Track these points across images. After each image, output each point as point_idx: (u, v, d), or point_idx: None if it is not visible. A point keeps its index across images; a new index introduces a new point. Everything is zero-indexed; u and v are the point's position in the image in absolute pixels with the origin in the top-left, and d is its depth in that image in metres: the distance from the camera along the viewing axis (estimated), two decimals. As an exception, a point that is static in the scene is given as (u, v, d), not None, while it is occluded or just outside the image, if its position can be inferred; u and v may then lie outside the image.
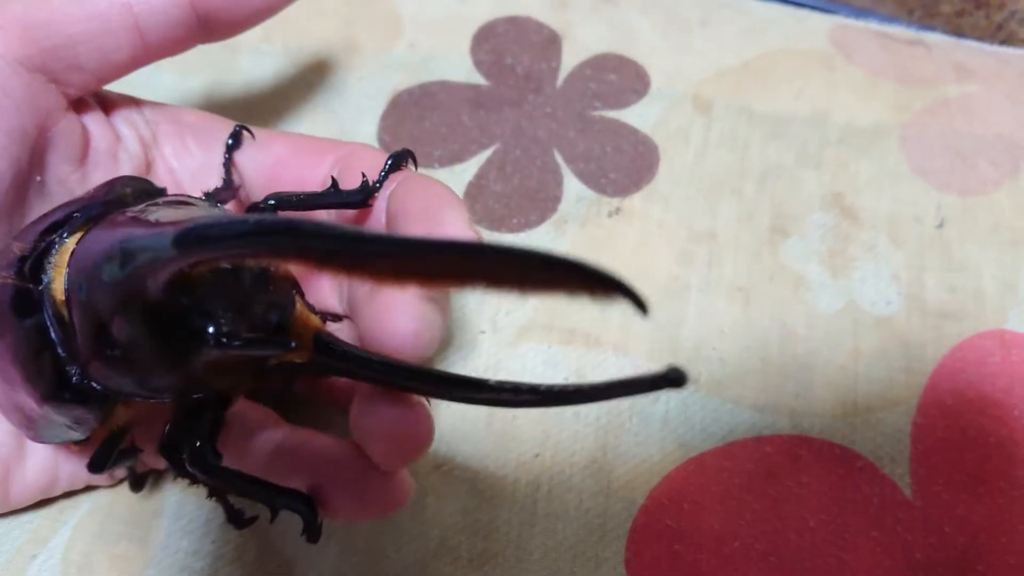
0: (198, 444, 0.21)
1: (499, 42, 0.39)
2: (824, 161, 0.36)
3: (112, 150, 0.26)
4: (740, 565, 0.27)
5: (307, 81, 0.38)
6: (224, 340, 0.17)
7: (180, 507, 0.28)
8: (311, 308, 0.20)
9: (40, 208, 0.24)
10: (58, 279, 0.19)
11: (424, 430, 0.21)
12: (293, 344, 0.18)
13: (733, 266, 0.33)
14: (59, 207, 0.22)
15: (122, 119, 0.27)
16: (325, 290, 0.27)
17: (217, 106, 0.29)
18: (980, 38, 0.41)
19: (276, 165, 0.27)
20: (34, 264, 0.20)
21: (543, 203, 0.35)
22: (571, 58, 0.38)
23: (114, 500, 0.29)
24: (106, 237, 0.18)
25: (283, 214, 0.24)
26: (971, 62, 0.38)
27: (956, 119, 0.37)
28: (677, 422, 0.30)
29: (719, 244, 0.34)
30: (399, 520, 0.28)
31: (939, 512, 0.28)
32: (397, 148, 0.25)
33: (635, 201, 0.35)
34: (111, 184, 0.23)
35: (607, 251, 0.33)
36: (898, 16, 0.42)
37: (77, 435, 0.22)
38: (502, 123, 0.37)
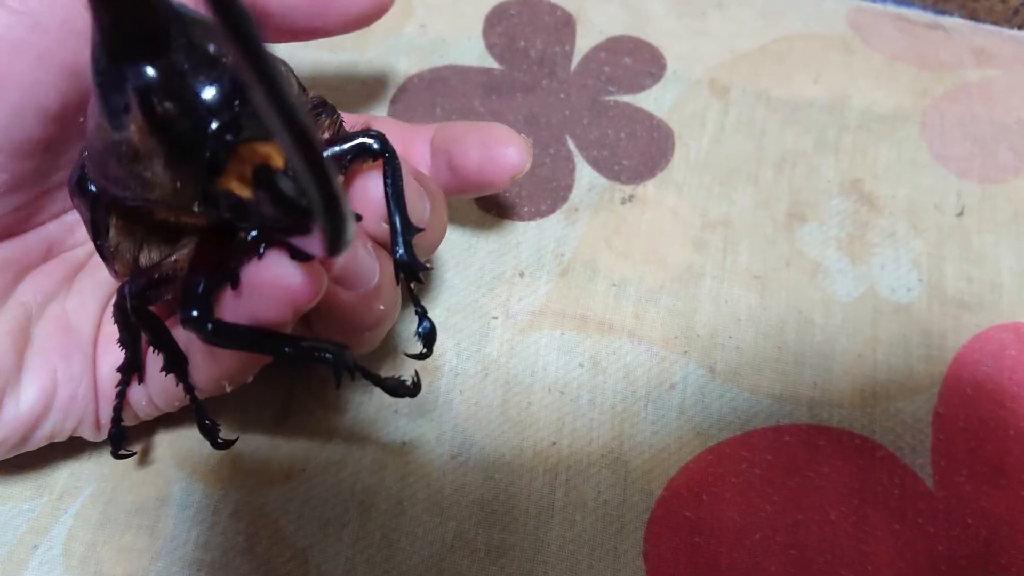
0: (195, 298, 0.20)
1: (512, 24, 0.38)
2: (843, 147, 0.35)
3: None
4: (761, 558, 0.27)
5: (315, 64, 0.37)
6: (140, 97, 0.17)
7: (186, 495, 0.28)
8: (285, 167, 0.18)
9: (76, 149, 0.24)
10: None
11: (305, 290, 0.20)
12: (233, 134, 0.17)
13: (748, 253, 0.33)
14: None
15: None
16: None
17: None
18: (996, 23, 0.40)
19: None
20: None
21: (555, 192, 0.34)
22: (585, 41, 0.38)
23: (116, 486, 0.28)
24: None
25: None
26: (991, 46, 0.38)
27: (976, 105, 0.36)
28: (694, 411, 0.30)
29: (734, 231, 0.33)
30: (414, 511, 0.27)
31: (961, 504, 0.28)
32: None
33: (649, 188, 0.34)
34: None
35: (620, 239, 0.33)
36: (913, 0, 0.41)
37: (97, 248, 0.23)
38: (515, 109, 0.36)
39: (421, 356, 0.25)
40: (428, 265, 0.25)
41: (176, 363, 0.23)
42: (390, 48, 0.37)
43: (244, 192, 0.18)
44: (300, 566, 0.27)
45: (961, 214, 0.33)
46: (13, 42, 0.21)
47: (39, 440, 0.26)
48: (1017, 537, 0.27)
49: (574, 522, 0.27)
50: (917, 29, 0.38)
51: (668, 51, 0.37)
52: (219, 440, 0.24)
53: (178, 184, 0.18)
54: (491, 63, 0.37)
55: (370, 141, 0.23)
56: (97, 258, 0.26)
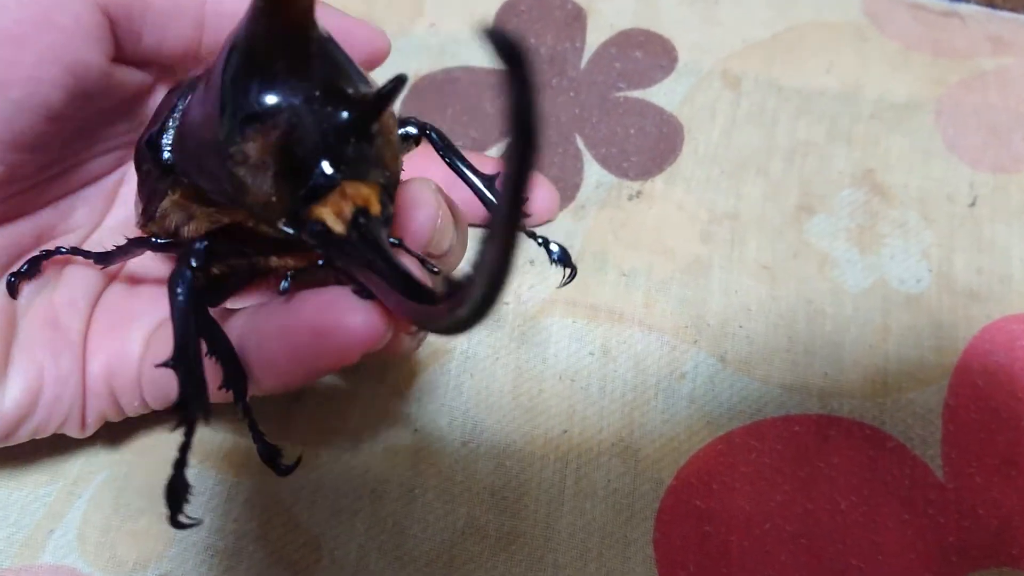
0: (198, 251, 0.20)
1: (523, 21, 0.38)
2: (855, 137, 0.35)
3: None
4: (771, 547, 0.27)
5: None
6: (260, 117, 0.18)
7: (200, 482, 0.28)
8: (384, 200, 0.19)
9: (81, 145, 0.25)
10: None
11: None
12: (341, 171, 0.18)
13: (756, 245, 0.33)
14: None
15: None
16: None
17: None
18: (1013, 9, 0.40)
19: None
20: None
21: (563, 191, 0.34)
22: (596, 36, 0.37)
23: (129, 472, 0.28)
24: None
25: None
26: (1006, 34, 0.37)
27: (991, 93, 0.36)
28: (704, 400, 0.30)
29: (741, 223, 0.33)
30: (425, 498, 0.28)
31: (972, 495, 0.28)
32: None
33: (656, 184, 0.34)
34: None
35: (628, 233, 0.33)
36: (930, -13, 0.40)
37: (140, 207, 0.24)
38: (525, 109, 0.36)
39: (571, 278, 0.25)
40: (435, 269, 0.24)
41: (236, 378, 0.21)
42: (401, 49, 0.37)
43: (337, 226, 0.18)
44: (313, 552, 0.27)
45: (973, 204, 0.33)
46: (19, 36, 0.21)
47: (20, 437, 0.25)
48: (1027, 528, 0.27)
49: (584, 510, 0.28)
50: (932, 17, 0.38)
51: (679, 42, 0.37)
52: (282, 467, 0.23)
53: (273, 199, 0.19)
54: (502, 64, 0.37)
55: (408, 129, 0.23)
56: (89, 246, 0.26)
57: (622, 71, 0.36)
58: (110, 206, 0.27)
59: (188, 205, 0.22)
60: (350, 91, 0.19)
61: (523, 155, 0.12)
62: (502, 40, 0.12)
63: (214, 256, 0.21)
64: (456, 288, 0.16)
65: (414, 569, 0.27)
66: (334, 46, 0.20)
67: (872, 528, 0.28)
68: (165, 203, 0.22)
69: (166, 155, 0.22)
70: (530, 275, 0.32)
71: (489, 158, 0.34)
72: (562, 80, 0.36)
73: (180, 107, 0.22)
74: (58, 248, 0.25)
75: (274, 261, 0.22)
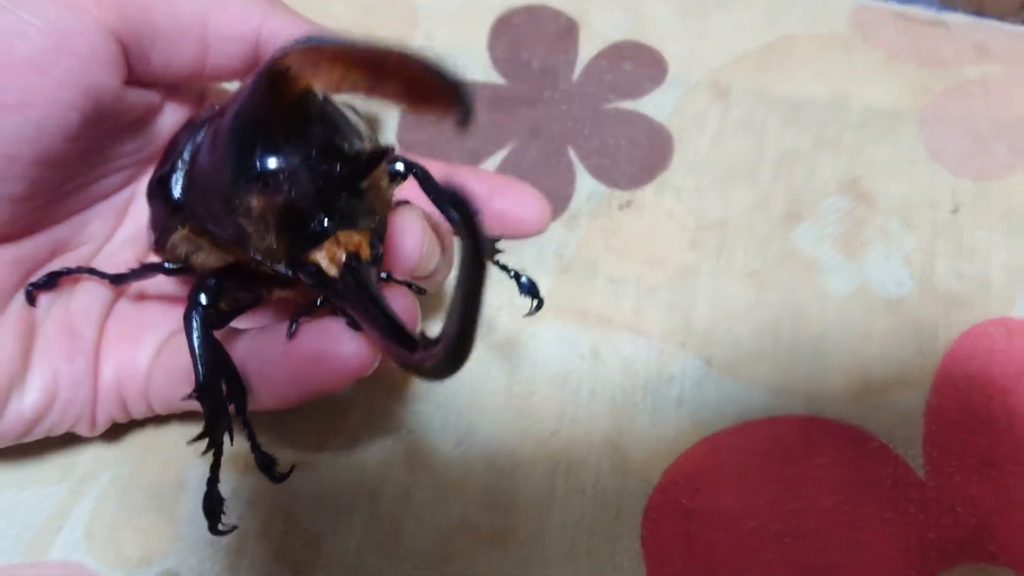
0: (209, 288, 0.22)
1: (516, 35, 0.39)
2: (842, 145, 0.36)
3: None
4: (756, 546, 0.28)
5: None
6: (264, 178, 0.20)
7: (203, 481, 0.29)
8: (374, 241, 0.21)
9: (94, 163, 0.26)
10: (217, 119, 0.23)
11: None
12: (336, 222, 0.20)
13: (743, 251, 0.33)
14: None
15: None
16: None
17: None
18: (1003, 16, 0.41)
19: None
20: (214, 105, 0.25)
21: (555, 202, 0.34)
22: (587, 49, 0.38)
23: (135, 471, 0.29)
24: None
25: None
26: (992, 43, 0.38)
27: (975, 102, 0.37)
28: (692, 402, 0.30)
29: (729, 231, 0.34)
30: (421, 498, 0.29)
31: (952, 493, 0.29)
32: (416, 148, 0.26)
33: (647, 193, 0.35)
34: None
35: (618, 242, 0.34)
36: (921, -5, 0.41)
37: (152, 236, 0.26)
38: (518, 123, 0.36)
39: (537, 309, 0.27)
40: (422, 290, 0.25)
41: (238, 395, 0.24)
42: None
43: (331, 270, 0.21)
44: (313, 550, 0.28)
45: (956, 211, 0.34)
46: (40, 63, 0.22)
47: (36, 435, 0.27)
48: (1005, 525, 0.28)
49: (574, 508, 0.28)
50: (918, 26, 0.39)
51: (669, 53, 0.38)
52: (276, 474, 0.25)
53: (274, 245, 0.21)
54: (496, 78, 0.38)
55: (396, 167, 0.24)
56: (101, 259, 0.28)
57: (613, 83, 0.37)
58: (121, 221, 0.29)
59: (196, 239, 0.24)
60: (345, 148, 0.21)
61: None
62: (456, 196, 0.14)
63: (223, 292, 0.23)
64: (430, 343, 0.18)
65: (410, 565, 0.27)
66: (331, 106, 0.22)
67: (855, 526, 0.28)
68: (175, 237, 0.24)
69: (176, 194, 0.24)
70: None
71: (482, 172, 0.35)
72: (554, 93, 0.37)
73: (190, 148, 0.24)
74: (77, 267, 0.27)
75: (276, 294, 0.24)
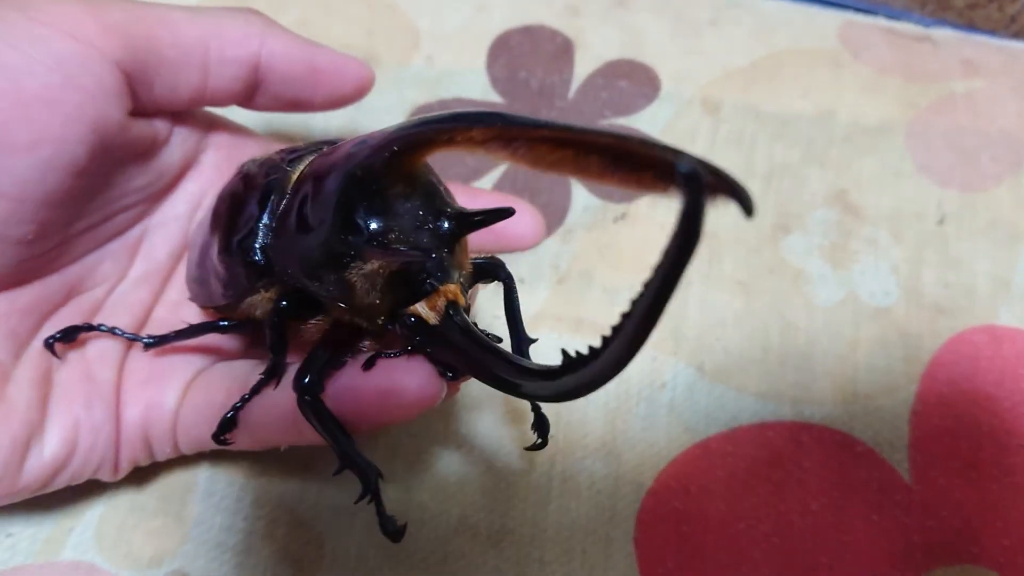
0: (313, 370, 0.23)
1: (513, 55, 0.40)
2: (829, 159, 0.37)
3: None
4: (744, 546, 0.29)
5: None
6: (380, 239, 0.21)
7: (211, 484, 0.30)
8: (465, 291, 0.22)
9: (103, 200, 0.26)
10: (293, 175, 0.24)
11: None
12: (438, 276, 0.22)
13: (732, 261, 0.34)
14: (292, 147, 0.27)
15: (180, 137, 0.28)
16: None
17: (237, 115, 0.30)
18: (993, 30, 0.42)
19: None
20: (279, 165, 0.25)
21: (551, 216, 0.36)
22: (583, 68, 0.39)
23: (145, 474, 0.30)
24: (332, 154, 0.23)
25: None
26: (978, 57, 0.39)
27: (961, 115, 0.38)
28: (683, 408, 0.31)
29: (720, 241, 0.35)
30: (421, 498, 0.29)
31: (936, 496, 0.30)
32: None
33: (640, 206, 0.36)
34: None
35: (611, 254, 0.35)
36: (911, 9, 0.42)
37: (221, 299, 0.26)
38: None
39: (536, 447, 0.26)
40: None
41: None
42: (399, 80, 0.39)
43: (432, 319, 0.22)
44: (316, 549, 0.29)
45: (941, 222, 0.35)
46: (49, 100, 0.23)
47: (58, 484, 0.26)
48: (988, 527, 0.29)
49: (569, 510, 0.29)
50: (905, 41, 0.40)
51: (662, 70, 0.39)
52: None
53: (377, 300, 0.22)
54: (494, 97, 0.39)
55: (496, 268, 0.25)
56: (115, 299, 0.28)
57: (608, 100, 0.39)
58: (133, 259, 0.28)
59: (272, 299, 0.25)
60: (448, 209, 0.22)
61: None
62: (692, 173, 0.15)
63: (322, 373, 0.23)
64: (575, 363, 0.19)
65: (410, 565, 0.28)
66: (428, 169, 0.23)
67: (841, 528, 0.29)
68: (255, 298, 0.25)
69: (258, 257, 0.24)
70: (520, 292, 0.33)
71: (479, 190, 0.35)
72: (551, 110, 0.38)
73: (269, 211, 0.24)
74: (100, 325, 0.27)
75: (366, 347, 0.25)
